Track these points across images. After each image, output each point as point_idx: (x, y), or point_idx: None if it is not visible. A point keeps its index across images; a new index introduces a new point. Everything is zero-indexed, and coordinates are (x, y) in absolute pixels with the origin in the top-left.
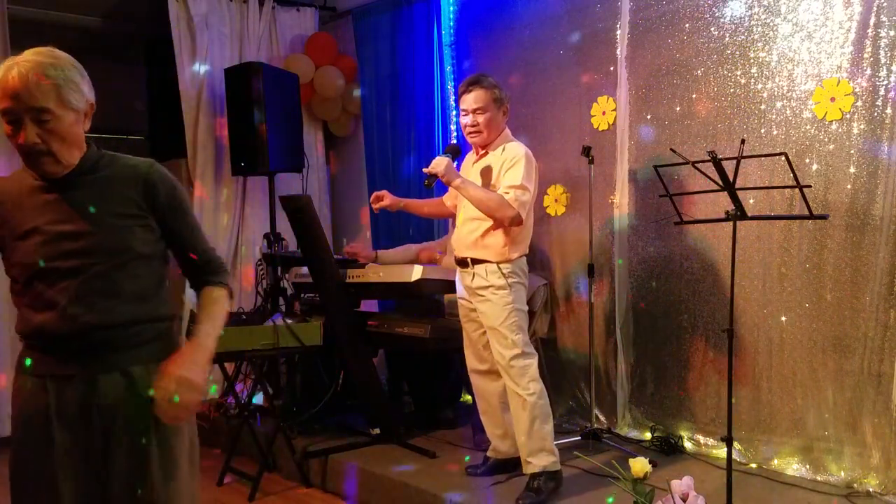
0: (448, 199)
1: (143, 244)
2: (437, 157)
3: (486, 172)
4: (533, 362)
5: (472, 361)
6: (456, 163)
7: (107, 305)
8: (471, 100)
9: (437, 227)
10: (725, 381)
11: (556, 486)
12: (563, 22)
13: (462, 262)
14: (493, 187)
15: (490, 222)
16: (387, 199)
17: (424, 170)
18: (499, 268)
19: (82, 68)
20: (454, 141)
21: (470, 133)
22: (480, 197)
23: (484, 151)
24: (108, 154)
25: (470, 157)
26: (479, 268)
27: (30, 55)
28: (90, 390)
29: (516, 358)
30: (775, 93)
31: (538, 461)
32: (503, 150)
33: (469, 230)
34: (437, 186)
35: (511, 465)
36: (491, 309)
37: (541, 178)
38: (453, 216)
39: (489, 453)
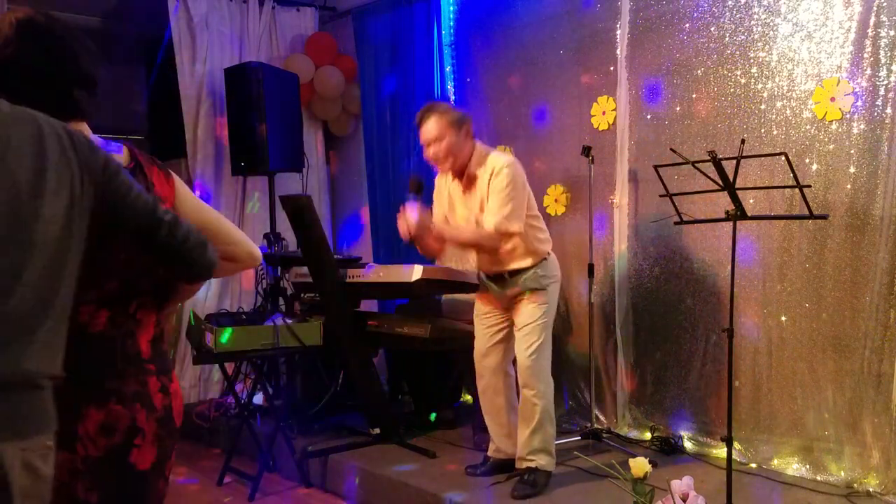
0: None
1: None
2: (409, 218)
3: (476, 192)
4: (548, 364)
5: (482, 359)
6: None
7: None
8: (426, 131)
9: None
10: (725, 381)
11: (547, 481)
12: (563, 22)
13: (497, 277)
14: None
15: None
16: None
17: (404, 236)
18: (535, 272)
19: None
20: (414, 175)
21: (435, 164)
22: (474, 241)
23: (467, 172)
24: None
25: (445, 178)
26: (515, 277)
27: None
28: None
29: (536, 357)
30: (775, 93)
31: (538, 459)
32: (484, 166)
33: None
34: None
35: (512, 466)
36: (525, 307)
37: (541, 178)
38: None
39: (490, 453)
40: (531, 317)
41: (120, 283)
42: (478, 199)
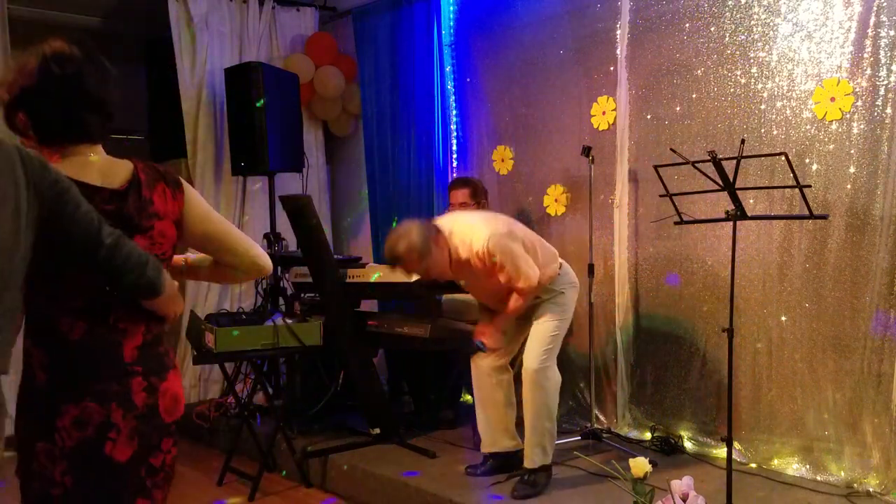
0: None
1: None
2: (486, 336)
3: (472, 268)
4: (554, 363)
5: (482, 358)
6: None
7: None
8: (409, 274)
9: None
10: (725, 381)
11: (547, 481)
12: (563, 22)
13: None
14: (493, 266)
15: None
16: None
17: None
18: (550, 285)
19: None
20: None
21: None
22: (521, 307)
23: (455, 262)
24: None
25: None
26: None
27: None
28: None
29: (547, 354)
30: (775, 93)
31: (535, 455)
32: (466, 251)
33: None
34: None
35: (510, 464)
36: (542, 307)
37: (541, 178)
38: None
39: (485, 450)
40: (548, 315)
41: (87, 299)
42: (482, 269)
